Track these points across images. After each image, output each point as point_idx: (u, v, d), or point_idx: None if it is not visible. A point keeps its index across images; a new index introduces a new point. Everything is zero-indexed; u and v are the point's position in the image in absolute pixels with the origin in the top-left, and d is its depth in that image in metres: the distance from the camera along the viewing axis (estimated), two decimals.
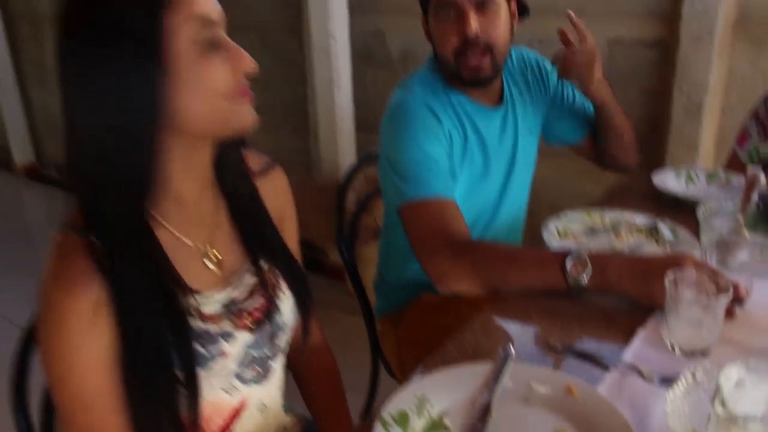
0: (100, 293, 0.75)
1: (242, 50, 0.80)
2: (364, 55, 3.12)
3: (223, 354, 0.86)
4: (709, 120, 2.24)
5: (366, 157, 1.79)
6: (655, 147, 2.39)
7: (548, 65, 1.57)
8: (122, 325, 0.77)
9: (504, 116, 1.49)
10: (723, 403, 0.63)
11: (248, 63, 0.80)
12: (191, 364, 0.81)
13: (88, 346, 0.76)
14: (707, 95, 2.19)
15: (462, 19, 1.31)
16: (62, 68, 0.76)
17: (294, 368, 1.14)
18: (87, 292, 0.75)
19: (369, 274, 1.74)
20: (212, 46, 0.77)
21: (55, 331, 0.76)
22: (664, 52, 2.31)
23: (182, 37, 0.74)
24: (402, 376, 1.61)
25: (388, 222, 1.57)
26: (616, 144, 1.56)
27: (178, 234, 0.85)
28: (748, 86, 2.20)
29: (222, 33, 0.79)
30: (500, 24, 1.34)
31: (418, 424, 0.79)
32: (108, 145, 0.75)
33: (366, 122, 3.13)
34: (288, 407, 1.06)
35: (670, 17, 2.25)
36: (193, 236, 0.87)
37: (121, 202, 0.78)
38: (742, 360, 0.67)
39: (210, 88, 0.77)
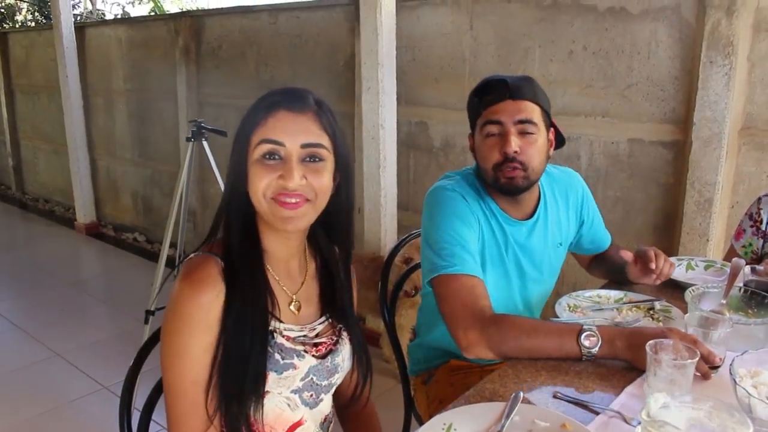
0: (219, 294, 1.03)
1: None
2: (408, 143, 3.36)
3: (294, 367, 1.11)
4: (718, 214, 2.41)
5: (408, 236, 2.04)
6: (669, 238, 2.57)
7: (588, 193, 1.76)
8: (226, 322, 1.04)
9: (532, 228, 1.61)
10: (648, 414, 0.86)
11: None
12: (263, 365, 1.06)
13: (198, 337, 1.02)
14: (717, 192, 2.38)
15: (505, 138, 1.47)
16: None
17: (343, 414, 1.38)
18: (209, 290, 1.03)
19: (400, 337, 1.95)
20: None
21: (178, 316, 1.03)
22: (678, 153, 2.52)
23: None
24: None
25: (425, 291, 1.71)
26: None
27: (279, 279, 1.15)
28: (753, 185, 2.39)
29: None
30: (536, 148, 1.48)
31: None
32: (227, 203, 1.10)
33: (407, 202, 3.34)
34: None
35: (683, 122, 2.48)
36: (287, 286, 1.16)
37: (240, 239, 1.09)
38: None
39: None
